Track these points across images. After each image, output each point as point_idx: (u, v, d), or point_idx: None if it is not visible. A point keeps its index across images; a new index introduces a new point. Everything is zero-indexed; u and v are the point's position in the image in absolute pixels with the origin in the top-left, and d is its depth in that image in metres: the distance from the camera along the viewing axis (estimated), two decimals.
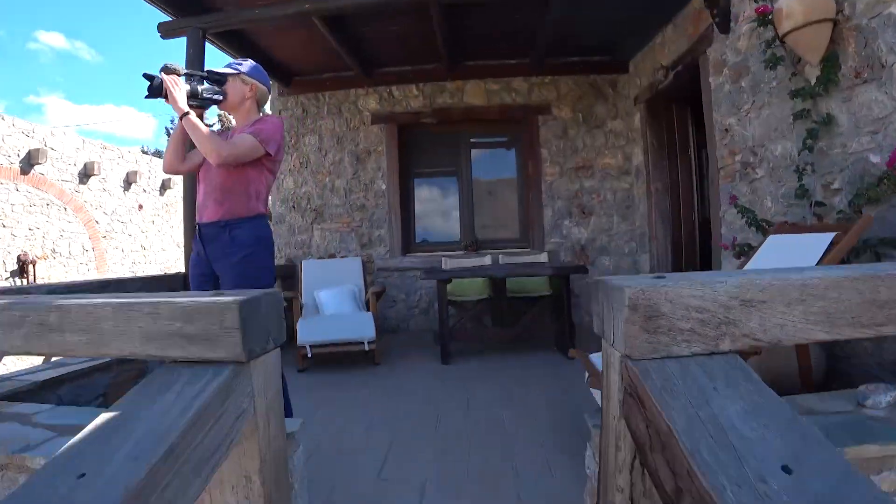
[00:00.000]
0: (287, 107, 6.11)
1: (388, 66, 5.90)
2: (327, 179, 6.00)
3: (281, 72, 5.90)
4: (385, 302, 5.86)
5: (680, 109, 5.48)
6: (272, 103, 6.18)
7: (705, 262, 6.57)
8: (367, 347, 4.14)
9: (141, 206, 11.45)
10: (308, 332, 4.11)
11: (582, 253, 5.87)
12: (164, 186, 12.20)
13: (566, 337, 4.21)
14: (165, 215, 12.34)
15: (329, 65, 5.80)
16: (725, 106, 3.91)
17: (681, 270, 5.46)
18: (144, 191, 11.63)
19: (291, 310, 4.61)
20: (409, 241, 6.11)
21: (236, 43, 4.99)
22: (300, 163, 6.05)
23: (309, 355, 4.11)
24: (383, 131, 5.94)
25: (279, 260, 6.05)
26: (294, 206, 6.04)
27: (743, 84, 3.64)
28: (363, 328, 4.16)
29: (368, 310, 4.55)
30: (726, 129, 3.92)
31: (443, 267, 5.51)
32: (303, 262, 5.16)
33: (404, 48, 5.51)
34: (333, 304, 4.71)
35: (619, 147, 5.93)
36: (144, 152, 14.34)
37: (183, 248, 4.55)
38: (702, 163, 5.59)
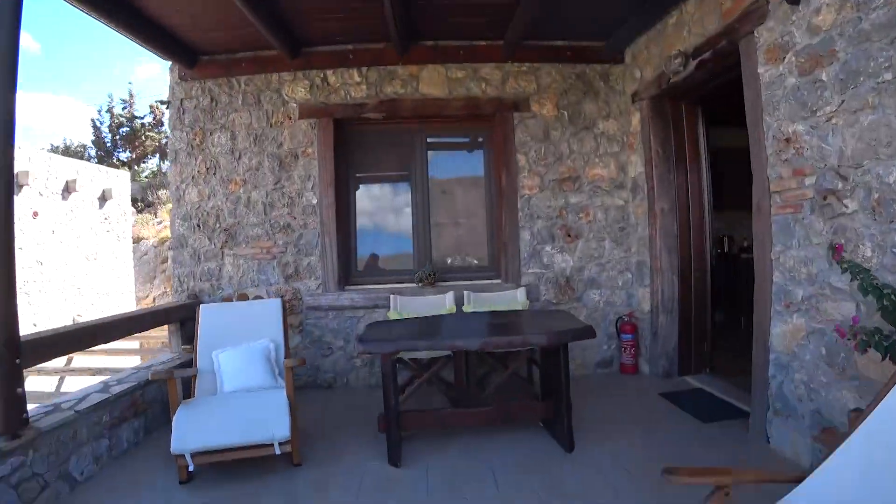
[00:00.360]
0: (190, 95, 4.66)
1: (321, 44, 4.55)
2: (241, 190, 4.59)
3: (182, 49, 4.45)
4: (318, 348, 4.54)
5: (690, 109, 4.39)
6: (171, 90, 4.72)
7: (734, 309, 5.54)
8: (278, 451, 2.82)
9: (36, 214, 9.57)
10: (187, 433, 2.75)
11: (567, 285, 4.71)
12: (68, 189, 10.32)
13: (562, 420, 3.02)
14: (72, 223, 10.45)
15: (245, 41, 4.41)
16: (788, 107, 2.79)
17: (691, 314, 4.39)
18: (41, 194, 9.74)
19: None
20: (348, 271, 4.79)
21: (114, 4, 3.57)
22: (206, 168, 4.62)
23: (190, 468, 2.76)
24: (315, 128, 4.58)
25: (180, 295, 4.62)
26: (199, 225, 4.61)
27: (823, 77, 2.52)
28: (274, 422, 2.83)
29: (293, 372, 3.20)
30: (787, 140, 2.80)
31: (391, 308, 4.24)
32: (200, 306, 3.76)
33: (343, 21, 4.18)
34: (237, 373, 3.35)
35: (611, 154, 4.79)
36: (52, 150, 12.38)
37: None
38: (715, 178, 4.54)
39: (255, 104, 4.61)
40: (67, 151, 20.38)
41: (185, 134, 4.64)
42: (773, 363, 3.06)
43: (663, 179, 4.33)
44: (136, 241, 12.92)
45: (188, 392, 3.44)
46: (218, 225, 4.59)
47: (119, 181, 11.88)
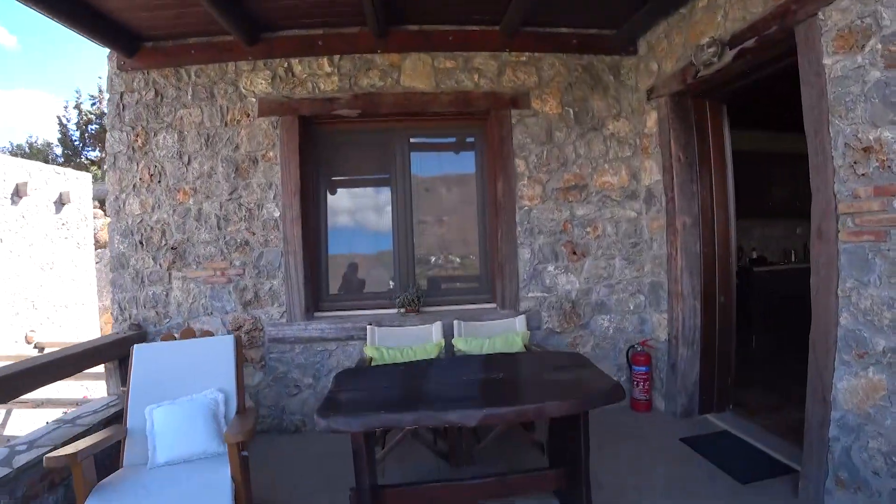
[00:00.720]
0: (131, 88, 3.93)
1: (284, 27, 3.86)
2: (191, 201, 3.89)
3: (120, 33, 3.74)
4: (282, 387, 3.87)
5: (715, 108, 3.79)
6: (108, 83, 3.99)
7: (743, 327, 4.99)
8: None
9: None
10: None
11: (572, 311, 4.09)
12: (19, 193, 9.39)
13: (580, 498, 2.40)
14: (23, 231, 9.52)
15: (194, 23, 3.71)
16: (869, 108, 2.20)
17: (715, 345, 3.81)
18: None
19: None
20: (318, 295, 4.11)
21: None
22: (150, 174, 3.90)
23: None
24: (277, 128, 3.89)
25: (121, 325, 3.91)
26: (142, 242, 3.90)
27: None
28: None
29: (240, 450, 2.51)
30: (867, 149, 2.21)
31: (368, 341, 3.59)
32: (134, 348, 3.06)
33: (310, 1, 3.51)
34: (174, 437, 2.67)
35: (622, 160, 4.18)
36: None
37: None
38: (737, 188, 3.95)
39: (208, 99, 3.91)
40: (31, 150, 19.26)
41: (124, 134, 3.92)
42: (837, 423, 2.48)
43: (685, 189, 3.72)
44: (103, 245, 12.02)
45: (115, 458, 2.76)
46: (164, 242, 3.88)
47: (79, 183, 10.96)
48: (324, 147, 4.14)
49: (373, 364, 3.40)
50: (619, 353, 4.19)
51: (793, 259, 6.75)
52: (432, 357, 3.40)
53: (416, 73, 3.98)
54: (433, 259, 4.28)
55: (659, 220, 3.98)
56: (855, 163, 2.30)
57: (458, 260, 4.32)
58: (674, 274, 3.79)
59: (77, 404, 5.35)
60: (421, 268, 4.21)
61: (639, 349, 4.09)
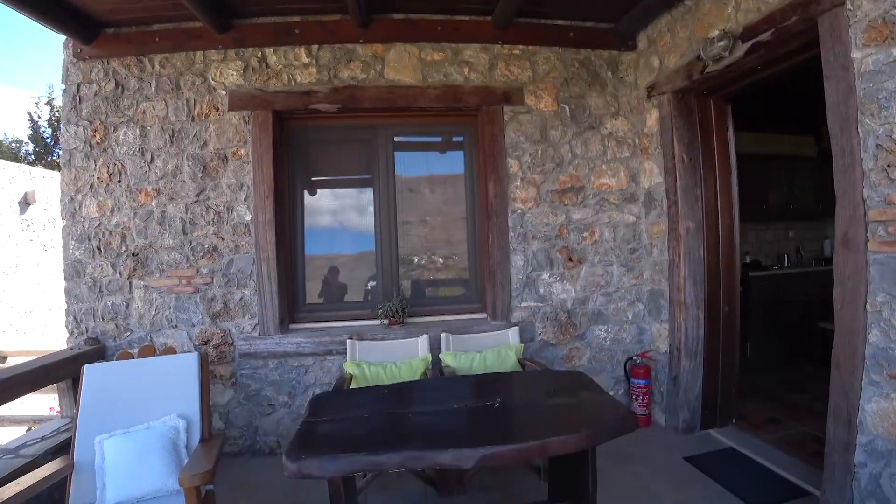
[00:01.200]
0: (90, 79, 3.58)
1: (258, 13, 3.55)
2: (154, 203, 3.55)
3: (77, 17, 3.39)
4: (255, 405, 3.56)
5: (719, 107, 3.58)
6: (64, 72, 3.63)
7: (773, 357, 4.84)
8: None
9: None
10: None
11: (568, 321, 3.85)
12: None
13: None
14: None
15: (160, 9, 3.38)
16: None
17: (719, 357, 3.60)
18: None
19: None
20: (294, 305, 3.80)
21: None
22: (109, 174, 3.55)
23: None
24: (249, 123, 3.57)
25: (77, 339, 3.55)
26: (100, 248, 3.55)
27: None
28: None
29: (205, 484, 2.20)
30: None
31: (349, 356, 3.30)
32: (85, 368, 2.72)
33: None
34: (126, 473, 2.35)
35: (621, 160, 3.95)
36: None
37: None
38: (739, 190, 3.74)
39: (173, 91, 3.57)
40: (1, 147, 18.47)
41: (81, 129, 3.56)
42: (865, 448, 2.26)
43: (689, 193, 3.50)
44: None
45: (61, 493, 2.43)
46: (124, 248, 3.54)
47: (46, 182, 10.44)
48: (301, 145, 3.83)
49: (353, 383, 3.10)
50: (617, 366, 3.96)
51: (786, 263, 6.60)
52: (418, 377, 3.12)
53: (401, 65, 3.69)
54: (419, 267, 3.99)
55: (659, 224, 3.75)
56: (889, 166, 2.08)
57: (446, 267, 4.04)
58: (676, 282, 3.56)
59: (33, 425, 4.95)
60: (406, 276, 3.92)
61: (638, 361, 3.86)
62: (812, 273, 6.35)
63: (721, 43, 2.86)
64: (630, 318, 3.96)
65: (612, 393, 3.95)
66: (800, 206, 6.55)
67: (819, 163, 6.68)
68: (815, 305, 5.82)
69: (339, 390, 2.82)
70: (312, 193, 3.93)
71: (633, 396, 3.85)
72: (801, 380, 4.66)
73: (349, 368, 3.20)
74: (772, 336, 5.51)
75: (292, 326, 3.71)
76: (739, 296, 3.69)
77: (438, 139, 4.11)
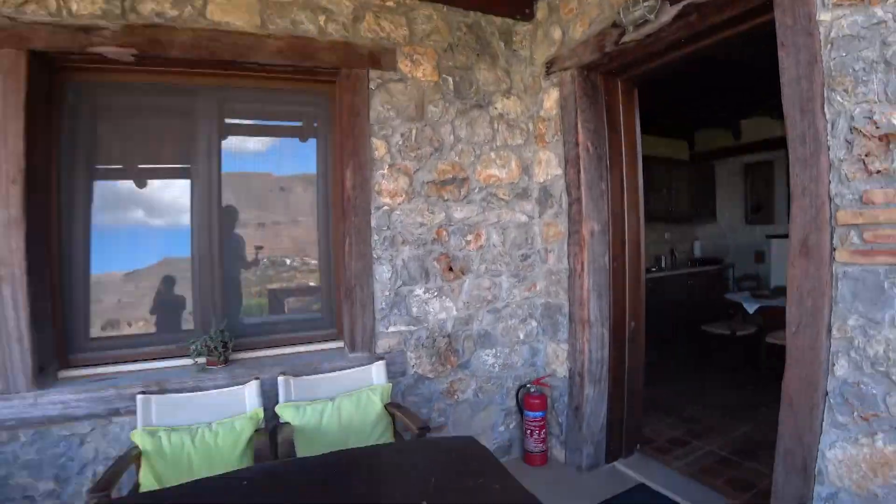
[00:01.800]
0: None
1: None
2: None
3: None
4: (5, 500, 2.31)
5: (627, 89, 3.04)
6: None
7: (662, 363, 4.50)
8: None
9: None
10: None
11: (448, 348, 3.09)
12: None
13: None
14: None
15: None
16: (888, 79, 1.47)
17: (624, 379, 3.09)
18: None
19: None
20: (68, 343, 2.58)
21: None
22: None
23: None
24: None
25: None
26: None
27: None
28: None
29: None
30: (885, 137, 1.49)
31: (140, 422, 2.23)
32: None
33: None
34: None
35: (512, 148, 3.28)
36: None
37: None
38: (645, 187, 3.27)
39: None
40: None
41: None
42: (826, 502, 1.78)
43: (594, 188, 2.91)
44: None
45: None
46: None
47: None
48: (83, 112, 2.62)
49: (144, 465, 2.05)
50: (507, 395, 3.30)
51: (663, 265, 6.56)
52: (242, 447, 2.15)
53: (231, 2, 2.65)
54: (255, 282, 2.98)
55: (556, 225, 3.14)
56: (867, 155, 1.57)
57: (291, 279, 3.06)
58: (578, 295, 2.96)
59: None
60: (234, 295, 2.89)
61: (532, 390, 3.23)
62: (690, 274, 6.35)
63: (647, 3, 2.25)
64: (522, 337, 3.32)
65: (502, 428, 3.29)
66: (677, 208, 6.54)
67: (692, 166, 6.78)
68: (697, 309, 5.77)
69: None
70: (100, 181, 2.72)
71: (528, 431, 3.22)
72: (693, 389, 4.41)
73: (139, 440, 2.13)
74: (658, 342, 5.29)
75: (63, 374, 2.50)
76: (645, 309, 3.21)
77: (291, 109, 3.09)
